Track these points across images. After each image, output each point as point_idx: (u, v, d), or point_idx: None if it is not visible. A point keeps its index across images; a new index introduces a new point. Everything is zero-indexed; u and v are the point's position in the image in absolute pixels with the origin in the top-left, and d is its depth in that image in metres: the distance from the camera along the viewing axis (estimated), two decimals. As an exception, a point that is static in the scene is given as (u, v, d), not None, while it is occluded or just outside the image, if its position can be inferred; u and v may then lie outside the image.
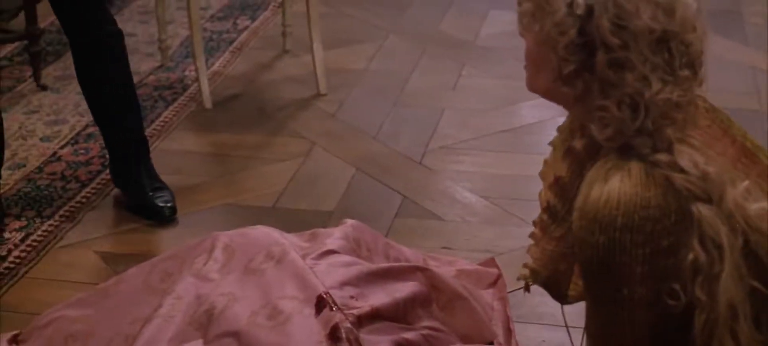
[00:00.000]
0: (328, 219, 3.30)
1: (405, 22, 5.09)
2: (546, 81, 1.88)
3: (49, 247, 3.23)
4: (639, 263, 1.76)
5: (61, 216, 3.39)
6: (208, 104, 4.18)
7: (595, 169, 1.82)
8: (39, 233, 3.29)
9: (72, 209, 3.43)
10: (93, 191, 3.55)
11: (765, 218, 1.77)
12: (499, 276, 2.91)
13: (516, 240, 3.13)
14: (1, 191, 3.43)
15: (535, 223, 2.20)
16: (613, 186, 1.76)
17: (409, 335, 2.40)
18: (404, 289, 2.50)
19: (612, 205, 1.75)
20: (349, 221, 2.77)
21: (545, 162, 2.14)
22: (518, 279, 2.26)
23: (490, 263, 3.00)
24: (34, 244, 3.24)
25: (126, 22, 5.09)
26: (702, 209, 1.75)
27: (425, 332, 2.44)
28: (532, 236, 2.20)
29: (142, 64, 4.59)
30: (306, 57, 4.43)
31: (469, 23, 5.00)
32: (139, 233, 3.31)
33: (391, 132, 3.97)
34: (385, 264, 2.63)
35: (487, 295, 2.84)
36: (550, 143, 2.12)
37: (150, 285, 2.61)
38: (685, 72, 1.80)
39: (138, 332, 2.46)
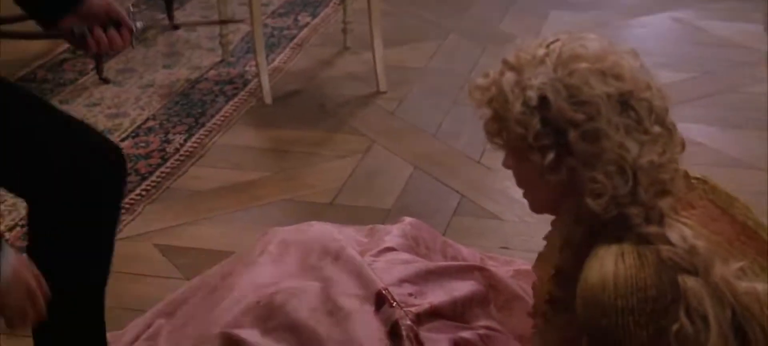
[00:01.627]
0: (386, 217, 3.29)
1: (466, 21, 5.07)
2: (541, 188, 1.92)
3: (109, 239, 3.25)
4: (645, 343, 1.78)
5: (121, 209, 3.41)
6: (268, 100, 4.20)
7: (593, 256, 1.84)
8: (99, 224, 3.32)
9: (132, 201, 3.45)
10: (153, 184, 3.57)
11: (754, 296, 1.79)
12: (557, 277, 2.89)
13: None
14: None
15: (530, 314, 2.22)
16: (608, 270, 1.79)
17: (467, 334, 2.39)
18: (462, 288, 2.49)
19: (609, 289, 1.78)
20: (408, 219, 2.77)
21: (539, 255, 2.17)
22: None
23: (548, 264, 2.98)
24: (95, 235, 3.26)
25: (188, 16, 5.12)
26: (687, 280, 1.78)
27: (482, 331, 2.43)
28: (534, 326, 2.21)
29: (203, 59, 4.62)
30: (366, 54, 4.43)
31: (530, 23, 4.96)
32: (197, 226, 3.32)
33: (450, 130, 3.96)
34: (443, 262, 2.63)
35: (545, 296, 2.82)
36: (545, 238, 2.15)
37: (213, 287, 2.64)
38: (657, 129, 1.83)
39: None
